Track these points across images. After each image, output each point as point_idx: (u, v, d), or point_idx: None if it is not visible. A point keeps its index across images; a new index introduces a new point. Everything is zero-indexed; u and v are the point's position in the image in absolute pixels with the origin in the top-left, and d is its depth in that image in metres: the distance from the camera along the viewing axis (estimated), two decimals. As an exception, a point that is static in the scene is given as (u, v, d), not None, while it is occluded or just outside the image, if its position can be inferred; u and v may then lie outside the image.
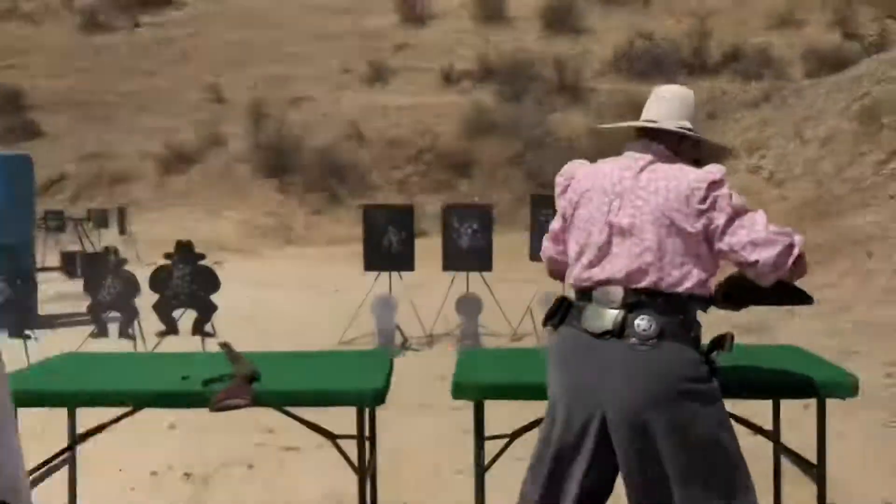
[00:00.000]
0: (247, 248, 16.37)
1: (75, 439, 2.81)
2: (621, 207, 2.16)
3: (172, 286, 5.16)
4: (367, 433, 2.60)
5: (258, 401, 2.45)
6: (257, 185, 19.17)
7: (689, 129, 2.26)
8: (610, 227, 2.16)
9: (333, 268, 12.65)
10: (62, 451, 2.79)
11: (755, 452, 3.01)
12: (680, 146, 2.25)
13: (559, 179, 2.37)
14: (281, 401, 2.56)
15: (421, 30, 25.01)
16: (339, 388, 2.52)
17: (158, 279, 5.24)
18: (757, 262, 2.09)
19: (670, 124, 2.23)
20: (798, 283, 2.30)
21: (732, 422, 2.22)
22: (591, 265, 2.19)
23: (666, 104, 2.29)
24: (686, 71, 20.94)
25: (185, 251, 5.20)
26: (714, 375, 2.14)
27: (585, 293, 2.19)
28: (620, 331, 2.07)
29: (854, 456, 3.72)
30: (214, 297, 5.42)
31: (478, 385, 2.54)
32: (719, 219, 2.10)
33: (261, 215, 18.03)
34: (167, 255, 5.32)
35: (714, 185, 2.11)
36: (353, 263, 9.03)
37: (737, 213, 2.12)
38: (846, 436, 3.97)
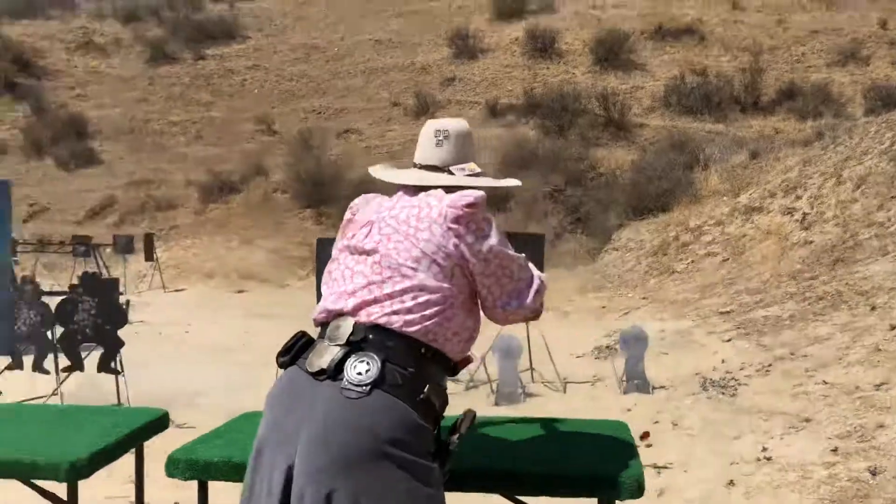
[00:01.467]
0: (273, 277, 16.30)
1: None
2: (368, 234, 1.89)
3: (77, 320, 4.92)
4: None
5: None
6: (293, 216, 19.17)
7: (474, 172, 2.02)
8: (351, 253, 1.89)
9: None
10: None
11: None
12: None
13: (347, 213, 2.08)
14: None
15: (471, 64, 24.86)
16: None
17: (64, 312, 4.99)
18: (507, 318, 1.91)
19: (455, 176, 1.99)
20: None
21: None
22: (329, 295, 1.88)
23: (450, 144, 2.02)
24: (738, 108, 20.09)
25: (89, 282, 4.95)
26: (444, 459, 1.73)
27: (322, 327, 1.86)
28: (336, 371, 1.70)
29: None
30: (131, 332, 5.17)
31: (197, 461, 2.14)
32: (475, 245, 1.81)
33: (293, 245, 17.97)
34: (72, 287, 5.08)
35: (471, 206, 1.82)
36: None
37: (496, 253, 1.84)
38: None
